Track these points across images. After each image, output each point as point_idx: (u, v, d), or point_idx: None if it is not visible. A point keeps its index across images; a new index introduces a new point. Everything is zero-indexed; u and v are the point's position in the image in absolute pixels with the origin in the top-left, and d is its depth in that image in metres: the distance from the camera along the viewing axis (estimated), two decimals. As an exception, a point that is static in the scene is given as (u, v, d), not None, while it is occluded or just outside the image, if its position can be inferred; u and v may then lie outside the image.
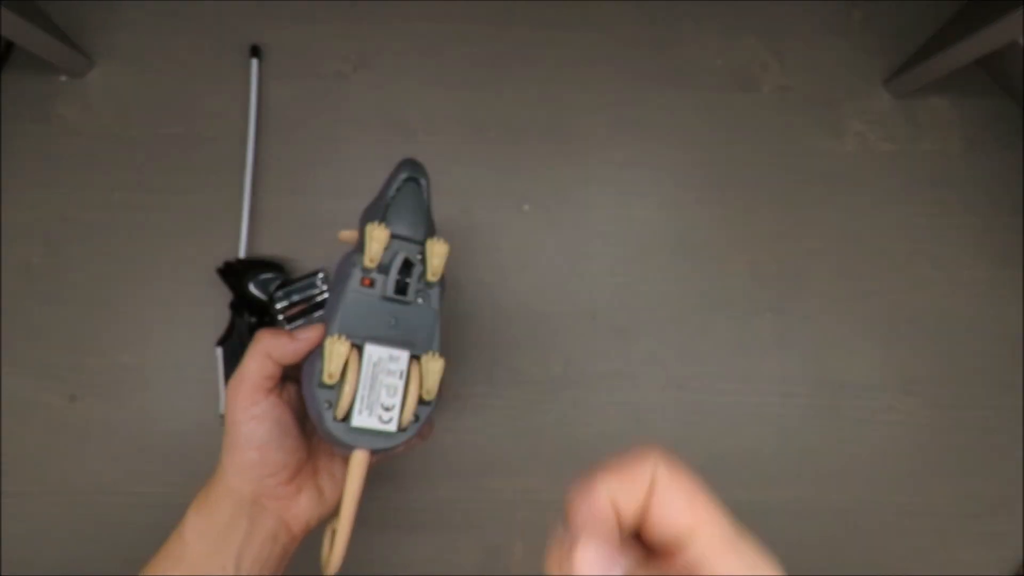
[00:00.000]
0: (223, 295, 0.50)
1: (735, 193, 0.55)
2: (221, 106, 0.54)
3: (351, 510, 0.32)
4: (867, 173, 0.56)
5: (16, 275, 0.52)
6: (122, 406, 0.51)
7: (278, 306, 0.51)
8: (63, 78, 0.54)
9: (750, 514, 0.55)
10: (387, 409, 0.32)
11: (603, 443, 0.52)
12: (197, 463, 0.50)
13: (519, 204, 0.54)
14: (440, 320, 0.34)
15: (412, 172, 0.35)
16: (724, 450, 0.52)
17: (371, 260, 0.32)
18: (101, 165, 0.53)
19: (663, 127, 0.56)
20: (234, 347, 0.48)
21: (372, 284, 0.33)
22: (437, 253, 0.34)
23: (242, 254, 0.51)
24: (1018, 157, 0.56)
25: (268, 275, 0.50)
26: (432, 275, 0.34)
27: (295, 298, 0.51)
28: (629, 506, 0.19)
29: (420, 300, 0.34)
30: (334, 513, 0.35)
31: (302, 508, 0.34)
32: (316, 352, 0.32)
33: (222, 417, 0.48)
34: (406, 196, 0.35)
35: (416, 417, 0.33)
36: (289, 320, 0.51)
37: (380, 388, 0.32)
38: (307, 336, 0.32)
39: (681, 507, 0.19)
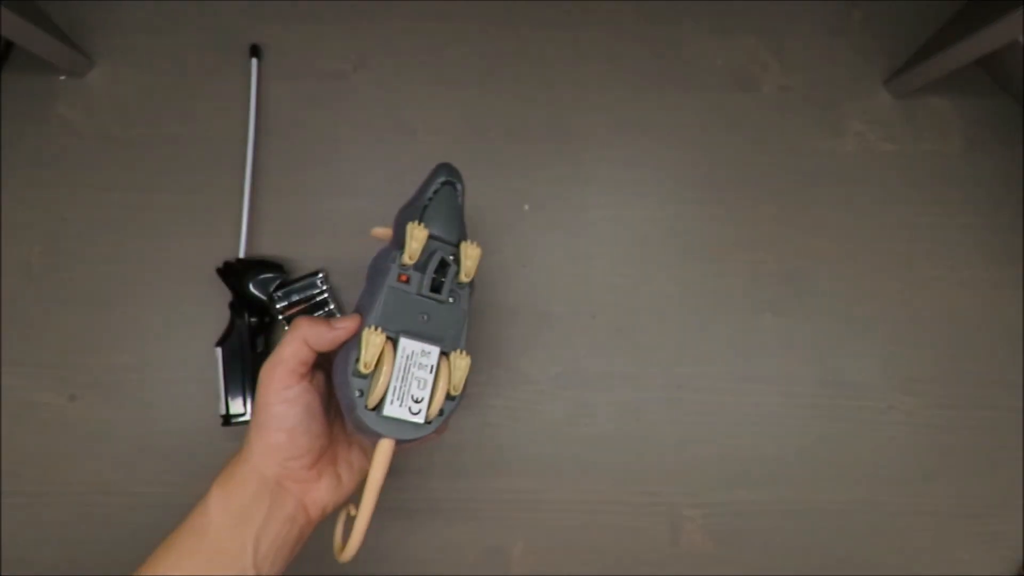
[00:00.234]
0: (223, 295, 0.50)
1: (735, 193, 0.55)
2: (221, 106, 0.54)
3: (373, 497, 0.33)
4: (867, 173, 0.56)
5: (16, 275, 0.52)
6: (122, 406, 0.51)
7: (278, 306, 0.51)
8: (63, 78, 0.54)
9: (750, 514, 0.56)
10: (417, 401, 0.33)
11: (603, 443, 0.52)
12: (197, 463, 0.50)
13: (519, 204, 0.54)
14: (468, 320, 0.36)
15: (449, 176, 0.36)
16: (724, 450, 0.52)
17: (410, 258, 0.34)
18: (101, 165, 0.53)
19: (663, 127, 0.56)
20: (234, 347, 0.48)
21: (408, 281, 0.34)
22: (470, 255, 0.35)
23: (242, 254, 0.51)
24: (1018, 157, 0.56)
25: (268, 275, 0.50)
26: (465, 276, 0.35)
27: (295, 298, 0.51)
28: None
29: (451, 299, 0.35)
30: (349, 500, 0.36)
31: (321, 493, 0.34)
32: (351, 342, 0.33)
33: (222, 417, 0.48)
34: (443, 199, 0.36)
35: (441, 411, 0.34)
36: (289, 320, 0.51)
37: (411, 380, 0.33)
38: (344, 325, 0.33)
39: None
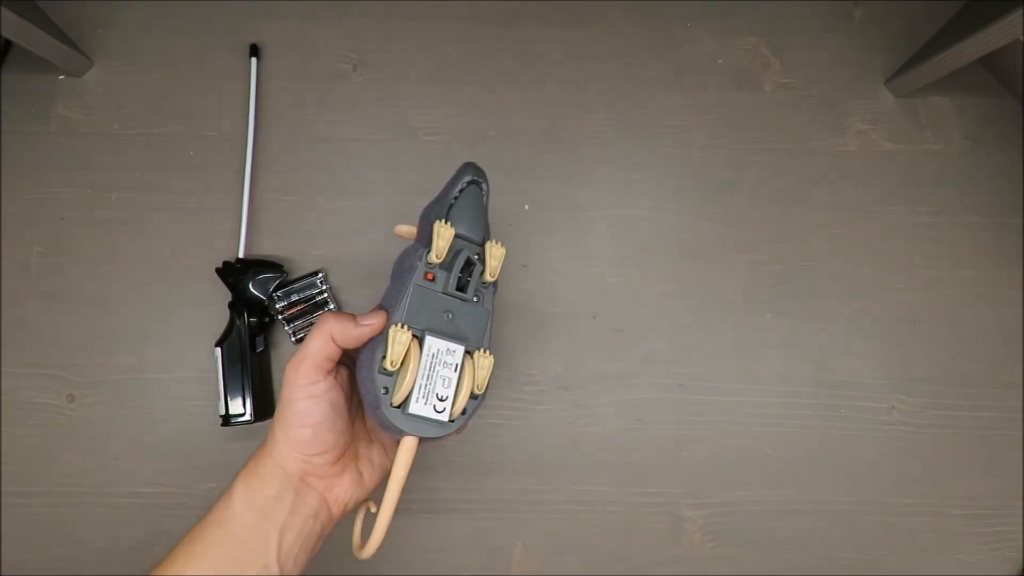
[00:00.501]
0: (223, 295, 0.50)
1: (735, 193, 0.55)
2: (221, 106, 0.54)
3: (396, 493, 0.33)
4: (869, 172, 0.56)
5: (16, 275, 0.52)
6: (122, 406, 0.51)
7: (278, 306, 0.51)
8: (62, 77, 0.54)
9: (750, 514, 0.55)
10: (441, 400, 0.33)
11: (603, 443, 0.52)
12: (197, 463, 0.50)
13: (519, 204, 0.54)
14: (491, 319, 0.36)
15: (475, 175, 0.36)
16: (724, 450, 0.52)
17: (437, 256, 0.34)
18: (101, 165, 0.53)
19: (663, 127, 0.56)
20: (234, 347, 0.48)
21: (434, 279, 0.34)
22: (495, 255, 0.35)
23: (242, 254, 0.51)
24: (1019, 156, 0.56)
25: (268, 275, 0.50)
26: (490, 275, 0.35)
27: (294, 298, 0.51)
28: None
29: (476, 298, 0.35)
30: (369, 497, 0.36)
31: (343, 489, 0.35)
32: (377, 338, 0.33)
33: (222, 417, 0.48)
34: (468, 198, 0.36)
35: (464, 410, 0.34)
36: (289, 320, 0.51)
37: (437, 379, 0.33)
38: (371, 322, 0.33)
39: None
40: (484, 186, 0.37)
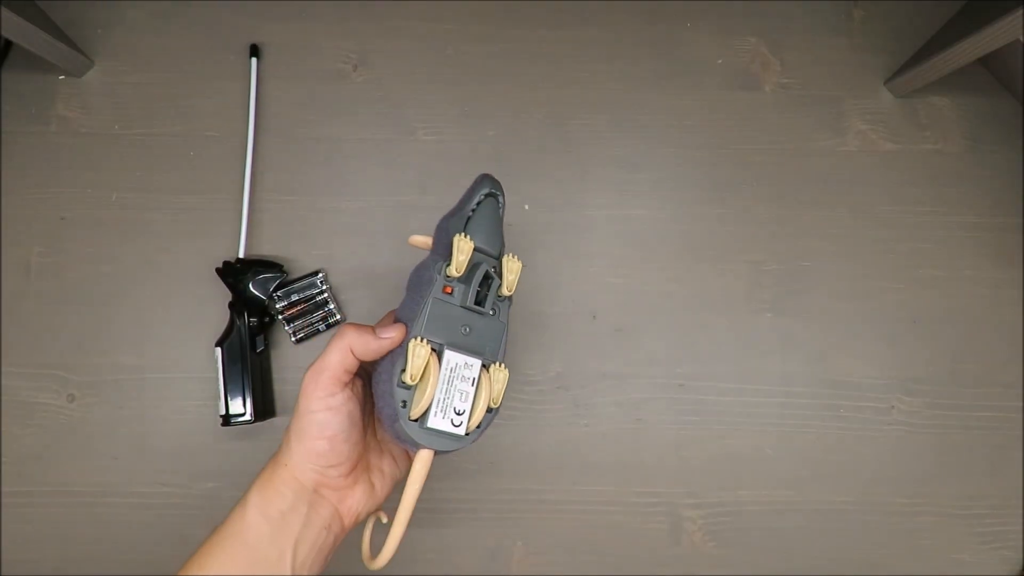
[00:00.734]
0: (223, 295, 0.50)
1: (735, 193, 0.55)
2: (221, 106, 0.54)
3: (410, 505, 0.33)
4: (868, 172, 0.56)
5: (16, 275, 0.52)
6: (122, 406, 0.51)
7: (278, 306, 0.51)
8: (62, 77, 0.54)
9: (750, 514, 0.55)
10: (459, 414, 0.33)
11: (603, 443, 0.52)
12: (197, 463, 0.50)
13: (520, 204, 0.54)
14: (507, 333, 0.36)
15: (492, 188, 0.36)
16: (724, 450, 0.52)
17: (457, 270, 0.34)
18: (101, 165, 0.53)
19: (663, 127, 0.56)
20: (234, 347, 0.48)
21: (452, 292, 0.34)
22: (512, 269, 0.36)
23: (242, 254, 0.51)
24: (1019, 156, 0.56)
25: (268, 275, 0.50)
26: (507, 289, 0.36)
27: (295, 298, 0.51)
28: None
29: (492, 312, 0.35)
30: (379, 508, 0.37)
31: (355, 500, 0.35)
32: (396, 351, 0.33)
33: (222, 417, 0.48)
34: (485, 211, 0.36)
35: (479, 424, 0.34)
36: (289, 320, 0.51)
37: (455, 393, 0.33)
38: (390, 335, 0.33)
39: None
40: (501, 199, 0.37)
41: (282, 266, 0.51)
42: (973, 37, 0.47)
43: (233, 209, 0.52)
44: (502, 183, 0.37)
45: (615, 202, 0.55)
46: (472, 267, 0.34)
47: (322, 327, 0.51)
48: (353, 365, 0.33)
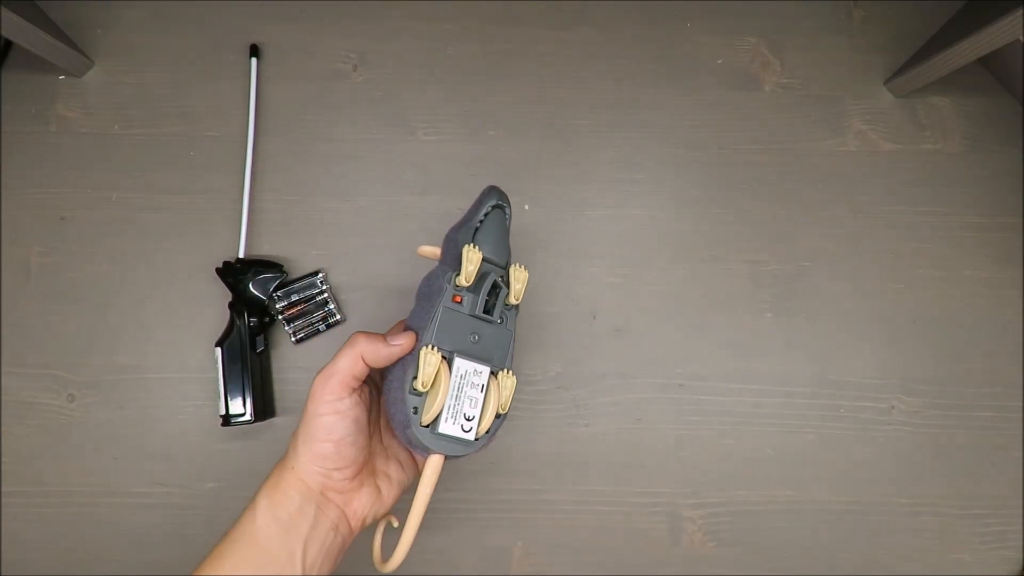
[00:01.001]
0: (223, 295, 0.50)
1: (735, 193, 0.55)
2: (220, 106, 0.54)
3: (421, 510, 0.35)
4: (868, 172, 0.56)
5: (16, 275, 0.52)
6: (122, 406, 0.51)
7: (278, 306, 0.51)
8: (62, 77, 0.54)
9: (750, 514, 0.55)
10: (468, 419, 0.34)
11: (603, 443, 0.52)
12: (197, 463, 0.50)
13: (520, 204, 0.54)
14: (514, 340, 0.37)
15: (499, 200, 0.37)
16: (724, 450, 0.52)
17: (466, 280, 0.35)
18: (101, 165, 0.53)
19: (663, 127, 0.56)
20: (234, 347, 0.48)
21: (461, 301, 0.35)
22: (520, 279, 0.37)
23: (242, 254, 0.51)
24: (1019, 156, 0.56)
25: (268, 275, 0.50)
26: (514, 298, 0.37)
27: (295, 298, 0.51)
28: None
29: (500, 320, 0.36)
30: (387, 512, 0.37)
31: (361, 504, 0.35)
32: (407, 359, 0.34)
33: (222, 417, 0.48)
34: (493, 222, 0.37)
35: (488, 429, 0.35)
36: (289, 320, 0.51)
37: (464, 399, 0.34)
38: (401, 343, 0.34)
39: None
40: (508, 210, 0.38)
41: (282, 266, 0.51)
42: (973, 37, 0.47)
43: (233, 209, 0.52)
44: (502, 183, 0.37)
45: (615, 202, 0.55)
46: (480, 277, 0.35)
47: (322, 327, 0.51)
48: (363, 372, 0.34)
